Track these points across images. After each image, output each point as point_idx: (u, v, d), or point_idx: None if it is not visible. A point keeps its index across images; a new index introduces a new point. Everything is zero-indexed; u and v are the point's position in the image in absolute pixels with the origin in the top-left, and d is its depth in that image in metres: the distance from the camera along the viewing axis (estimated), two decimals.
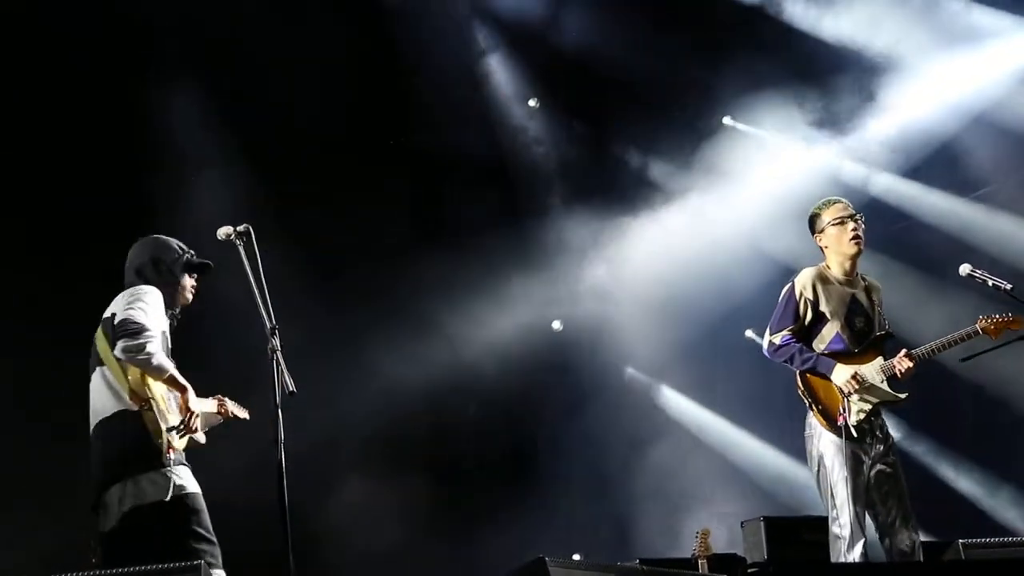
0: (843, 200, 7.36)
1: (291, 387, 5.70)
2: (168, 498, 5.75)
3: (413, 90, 11.87)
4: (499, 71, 12.55)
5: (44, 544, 8.78)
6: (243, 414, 6.65)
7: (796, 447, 12.28)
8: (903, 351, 7.13)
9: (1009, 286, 7.40)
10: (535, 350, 12.25)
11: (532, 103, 12.76)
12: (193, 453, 6.14)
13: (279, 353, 5.77)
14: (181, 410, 5.95)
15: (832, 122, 11.87)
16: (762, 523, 9.43)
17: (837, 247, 7.23)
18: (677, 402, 12.96)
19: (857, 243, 7.21)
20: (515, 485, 11.88)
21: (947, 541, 8.42)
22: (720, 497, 12.19)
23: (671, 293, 12.42)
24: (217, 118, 10.86)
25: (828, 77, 11.76)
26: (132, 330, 5.72)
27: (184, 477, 5.88)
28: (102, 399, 5.91)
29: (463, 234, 12.12)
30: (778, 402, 12.28)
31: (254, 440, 6.08)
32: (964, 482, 11.97)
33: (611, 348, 12.99)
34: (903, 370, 7.07)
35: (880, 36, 11.54)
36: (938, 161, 11.76)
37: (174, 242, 6.30)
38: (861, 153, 12.03)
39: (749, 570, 8.80)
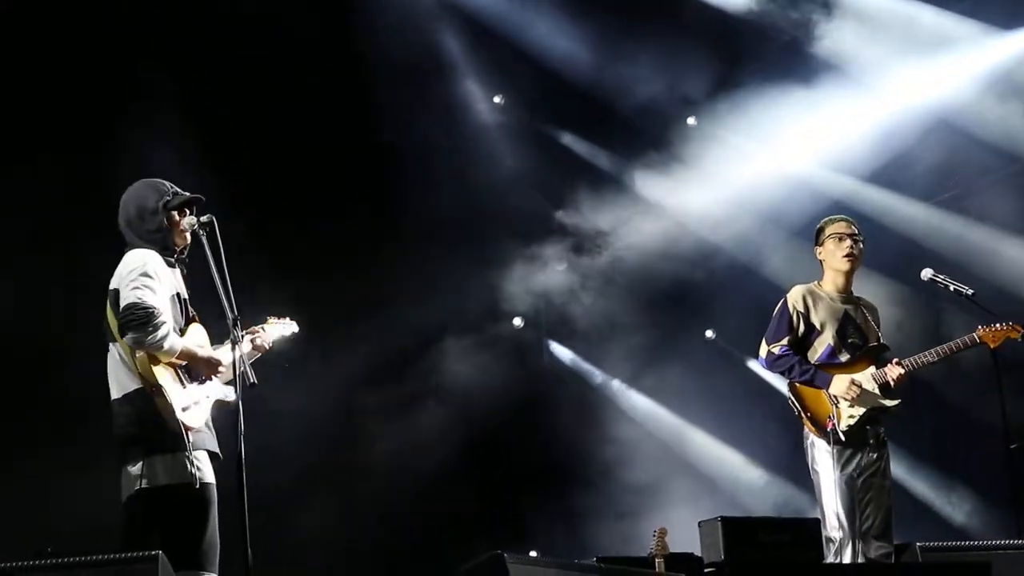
0: (848, 220, 7.60)
1: (252, 379, 5.68)
2: (179, 483, 5.63)
3: (375, 86, 11.73)
4: (464, 67, 12.46)
5: None
6: (288, 331, 6.52)
7: (755, 447, 12.43)
8: (894, 360, 7.21)
9: (971, 291, 7.44)
10: (494, 347, 12.22)
11: (497, 100, 12.70)
12: None
13: (241, 345, 5.75)
14: (206, 372, 5.87)
15: (797, 127, 11.89)
16: (719, 523, 9.43)
17: (831, 261, 7.45)
18: (634, 400, 12.95)
19: (849, 260, 7.42)
20: (471, 482, 11.84)
21: (904, 544, 8.48)
22: (678, 497, 12.18)
23: (632, 291, 12.47)
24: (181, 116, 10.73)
25: (791, 80, 11.78)
26: (140, 319, 5.57)
27: (203, 465, 5.76)
28: (120, 375, 5.80)
29: (424, 230, 12.06)
30: (738, 402, 12.36)
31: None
32: (920, 485, 12.08)
33: (571, 344, 13.00)
34: (894, 377, 7.20)
35: (846, 42, 11.61)
36: (902, 166, 11.83)
37: (157, 184, 6.03)
38: (826, 158, 12.06)
39: (706, 570, 8.80)
